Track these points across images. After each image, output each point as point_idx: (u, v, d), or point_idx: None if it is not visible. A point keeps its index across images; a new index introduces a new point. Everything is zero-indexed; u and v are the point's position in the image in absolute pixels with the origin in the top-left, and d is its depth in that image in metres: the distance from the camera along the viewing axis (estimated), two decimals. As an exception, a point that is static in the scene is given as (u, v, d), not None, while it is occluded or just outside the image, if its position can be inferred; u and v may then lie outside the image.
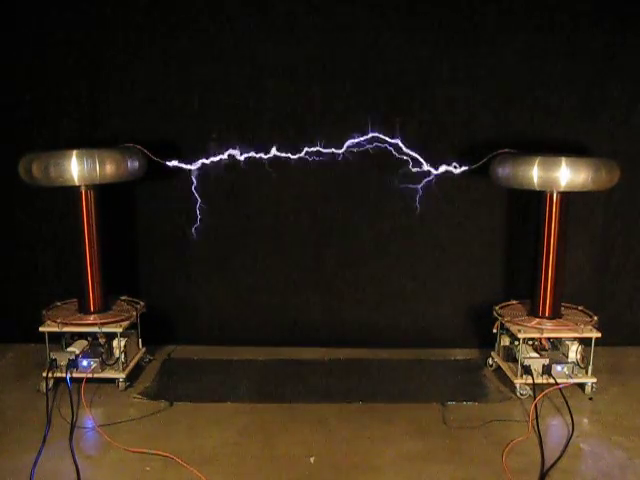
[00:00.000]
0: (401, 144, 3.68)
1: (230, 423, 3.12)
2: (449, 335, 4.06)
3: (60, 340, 3.49)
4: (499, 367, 3.64)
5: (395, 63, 3.77)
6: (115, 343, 3.45)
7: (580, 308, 3.68)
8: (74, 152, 3.26)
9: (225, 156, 3.66)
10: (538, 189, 3.33)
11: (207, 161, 3.66)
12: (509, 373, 3.49)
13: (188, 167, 3.66)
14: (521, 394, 3.37)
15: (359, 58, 3.78)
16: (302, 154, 3.73)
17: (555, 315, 3.54)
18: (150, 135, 3.74)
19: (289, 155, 3.73)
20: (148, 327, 3.75)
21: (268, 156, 3.69)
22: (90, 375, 3.35)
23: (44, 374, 3.34)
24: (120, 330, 3.42)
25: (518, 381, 3.38)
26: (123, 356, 3.44)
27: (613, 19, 3.71)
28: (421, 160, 3.68)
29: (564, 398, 3.24)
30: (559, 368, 3.38)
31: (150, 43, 3.76)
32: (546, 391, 3.30)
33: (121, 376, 3.42)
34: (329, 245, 3.99)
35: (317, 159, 3.72)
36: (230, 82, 3.79)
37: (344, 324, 4.07)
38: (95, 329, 3.43)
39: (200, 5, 3.74)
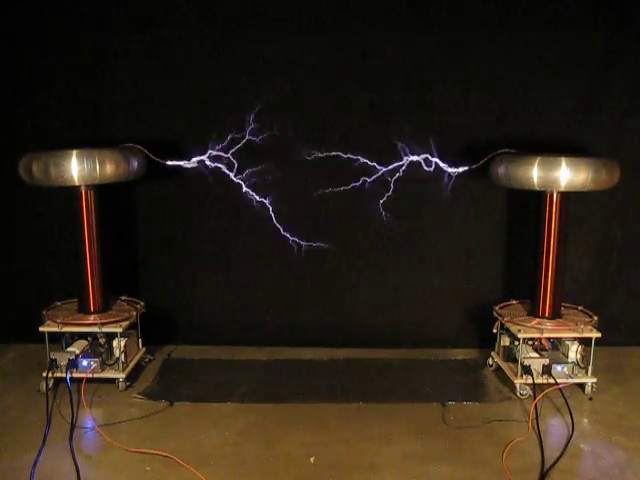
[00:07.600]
0: (400, 145, 3.69)
1: (230, 423, 3.12)
2: (449, 335, 4.06)
3: (60, 340, 3.49)
4: (499, 367, 3.64)
5: (394, 62, 3.78)
6: (115, 343, 3.45)
7: (580, 308, 3.68)
8: (74, 152, 3.26)
9: (225, 155, 3.67)
10: (538, 189, 3.33)
11: (206, 161, 3.66)
12: (509, 373, 3.49)
13: (187, 167, 3.66)
14: (521, 394, 3.37)
15: (358, 58, 3.78)
16: (302, 154, 3.74)
17: (555, 315, 3.54)
18: (150, 135, 3.74)
19: (289, 155, 3.74)
20: (148, 327, 3.75)
21: (267, 156, 3.70)
22: (90, 375, 3.35)
23: (44, 374, 3.34)
24: (120, 330, 3.42)
25: (518, 381, 3.38)
26: (123, 356, 3.44)
27: (613, 19, 3.71)
28: (421, 161, 3.68)
29: (564, 398, 3.24)
30: (559, 368, 3.38)
31: (150, 43, 3.75)
32: (546, 391, 3.30)
33: (121, 376, 3.42)
34: (329, 245, 3.98)
35: (316, 159, 3.73)
36: (230, 82, 3.79)
37: (344, 324, 4.07)
38: (95, 329, 3.43)
39: (201, 5, 3.74)
